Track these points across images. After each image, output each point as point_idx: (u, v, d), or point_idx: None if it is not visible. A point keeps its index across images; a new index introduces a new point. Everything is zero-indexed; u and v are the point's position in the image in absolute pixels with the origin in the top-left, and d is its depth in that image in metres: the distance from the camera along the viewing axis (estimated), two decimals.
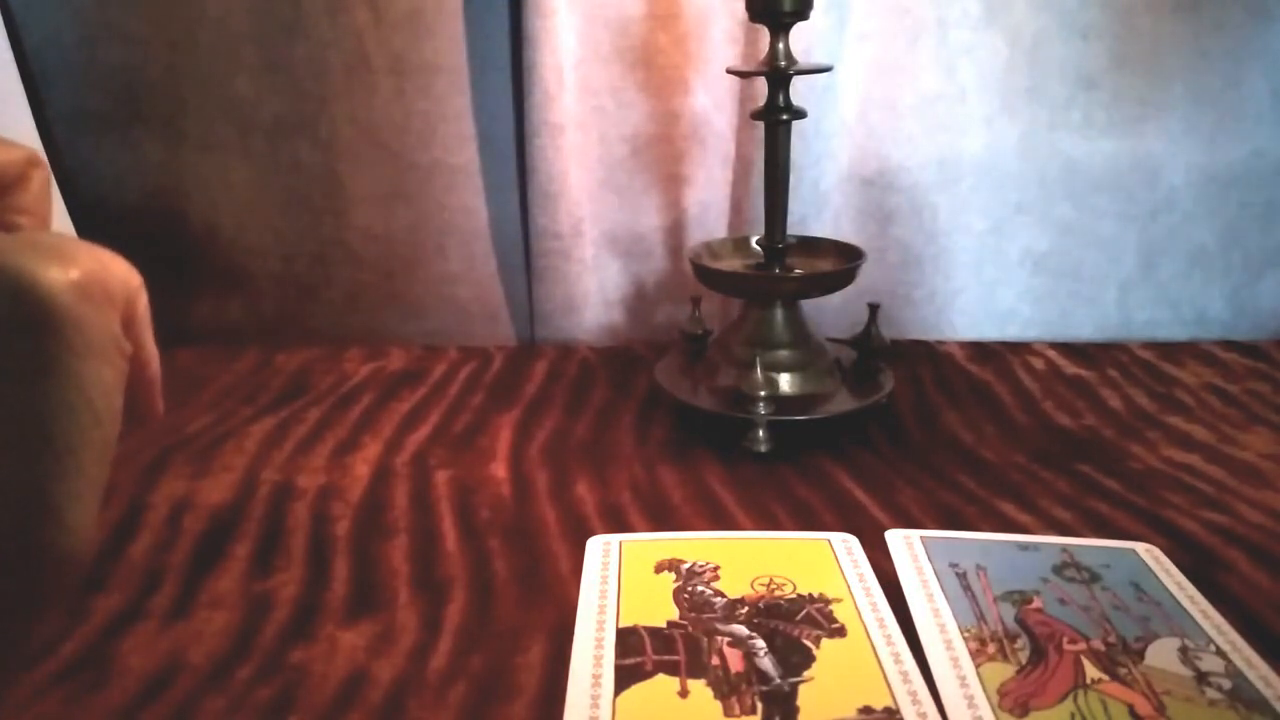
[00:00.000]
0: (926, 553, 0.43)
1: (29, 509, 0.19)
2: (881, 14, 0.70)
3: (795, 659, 0.36)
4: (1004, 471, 0.53)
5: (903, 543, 0.44)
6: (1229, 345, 0.73)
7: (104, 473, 0.20)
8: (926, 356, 0.72)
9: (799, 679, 0.35)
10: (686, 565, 0.43)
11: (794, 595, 0.41)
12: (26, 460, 0.19)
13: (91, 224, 0.73)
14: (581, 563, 0.43)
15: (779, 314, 0.59)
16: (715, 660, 0.36)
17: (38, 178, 0.23)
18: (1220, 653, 0.37)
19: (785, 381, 0.58)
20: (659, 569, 0.43)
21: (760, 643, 0.37)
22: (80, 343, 0.19)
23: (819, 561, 0.43)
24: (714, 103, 0.72)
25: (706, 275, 0.59)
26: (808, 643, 0.37)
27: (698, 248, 0.62)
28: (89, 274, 0.20)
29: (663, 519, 0.49)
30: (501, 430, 0.60)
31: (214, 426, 0.61)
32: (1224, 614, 0.39)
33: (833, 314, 0.76)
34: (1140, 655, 0.37)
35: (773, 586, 0.41)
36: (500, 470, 0.54)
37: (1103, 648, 0.37)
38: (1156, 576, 0.42)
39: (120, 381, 0.20)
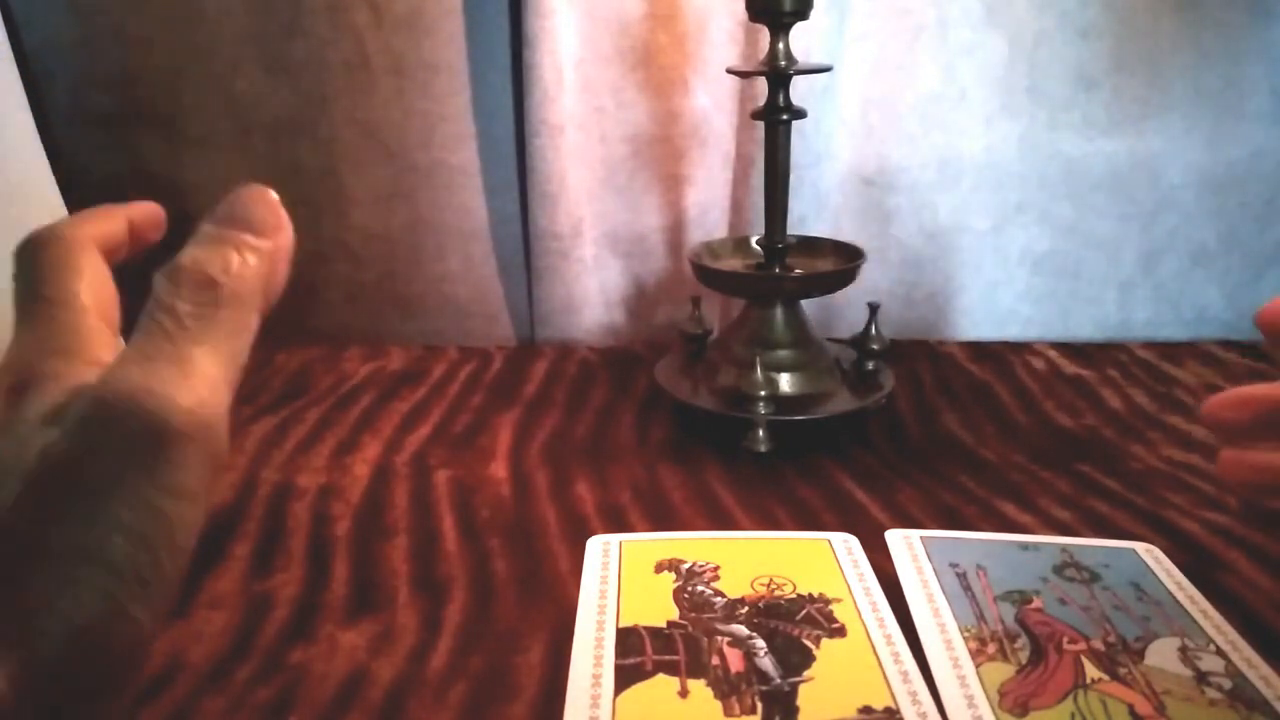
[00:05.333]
0: (926, 553, 0.43)
1: (101, 614, 0.19)
2: (881, 14, 0.70)
3: (795, 659, 0.36)
4: (1004, 471, 0.53)
5: (903, 543, 0.44)
6: (1229, 345, 0.73)
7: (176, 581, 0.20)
8: (926, 356, 0.72)
9: (799, 679, 0.35)
10: (686, 565, 0.43)
11: (794, 595, 0.41)
12: (104, 585, 0.19)
13: None
14: (581, 562, 0.43)
15: (779, 314, 0.59)
16: (715, 660, 0.36)
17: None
18: (1220, 652, 0.37)
19: (785, 381, 0.57)
20: (659, 569, 0.43)
21: (760, 643, 0.37)
22: (178, 482, 0.19)
23: (819, 561, 0.43)
24: (714, 103, 0.72)
25: (706, 275, 0.59)
26: (808, 643, 0.37)
27: (698, 248, 0.62)
28: (205, 400, 0.20)
29: (663, 519, 0.49)
30: (501, 430, 0.60)
31: None
32: (1224, 614, 0.39)
33: (833, 314, 0.76)
34: (1140, 655, 0.37)
35: (773, 586, 0.41)
36: (500, 470, 0.54)
37: (1103, 648, 0.37)
38: (1156, 576, 0.42)
39: (202, 518, 0.21)
